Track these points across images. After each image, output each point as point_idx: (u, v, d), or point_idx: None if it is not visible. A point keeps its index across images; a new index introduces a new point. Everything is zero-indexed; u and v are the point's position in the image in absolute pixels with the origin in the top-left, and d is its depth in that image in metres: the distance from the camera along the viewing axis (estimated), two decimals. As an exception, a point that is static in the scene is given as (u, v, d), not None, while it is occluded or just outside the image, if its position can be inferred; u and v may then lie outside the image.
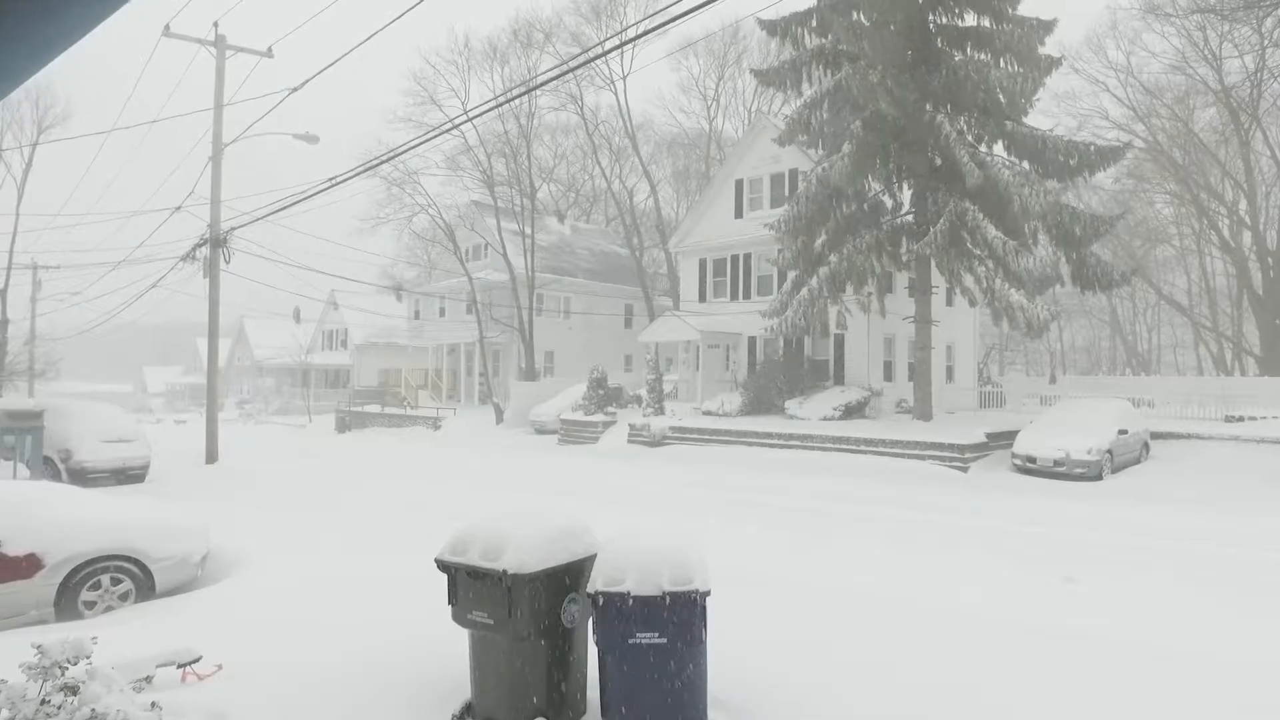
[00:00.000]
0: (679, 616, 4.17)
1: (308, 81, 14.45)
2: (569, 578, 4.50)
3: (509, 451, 23.59)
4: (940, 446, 17.35)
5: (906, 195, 21.67)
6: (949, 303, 23.95)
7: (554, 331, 36.90)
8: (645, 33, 15.62)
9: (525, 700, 4.38)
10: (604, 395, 25.64)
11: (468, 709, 4.60)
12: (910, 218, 20.96)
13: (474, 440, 26.90)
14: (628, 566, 4.26)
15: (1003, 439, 18.14)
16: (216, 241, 20.99)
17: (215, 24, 21.41)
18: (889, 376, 24.04)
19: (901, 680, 5.24)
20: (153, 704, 4.06)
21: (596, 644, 4.30)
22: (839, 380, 23.69)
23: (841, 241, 20.35)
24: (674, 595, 4.15)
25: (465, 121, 16.17)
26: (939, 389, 23.26)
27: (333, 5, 13.90)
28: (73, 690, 3.94)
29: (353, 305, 46.77)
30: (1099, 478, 15.96)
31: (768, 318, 20.86)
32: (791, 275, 21.36)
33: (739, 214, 26.96)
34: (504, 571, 4.23)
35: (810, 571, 8.49)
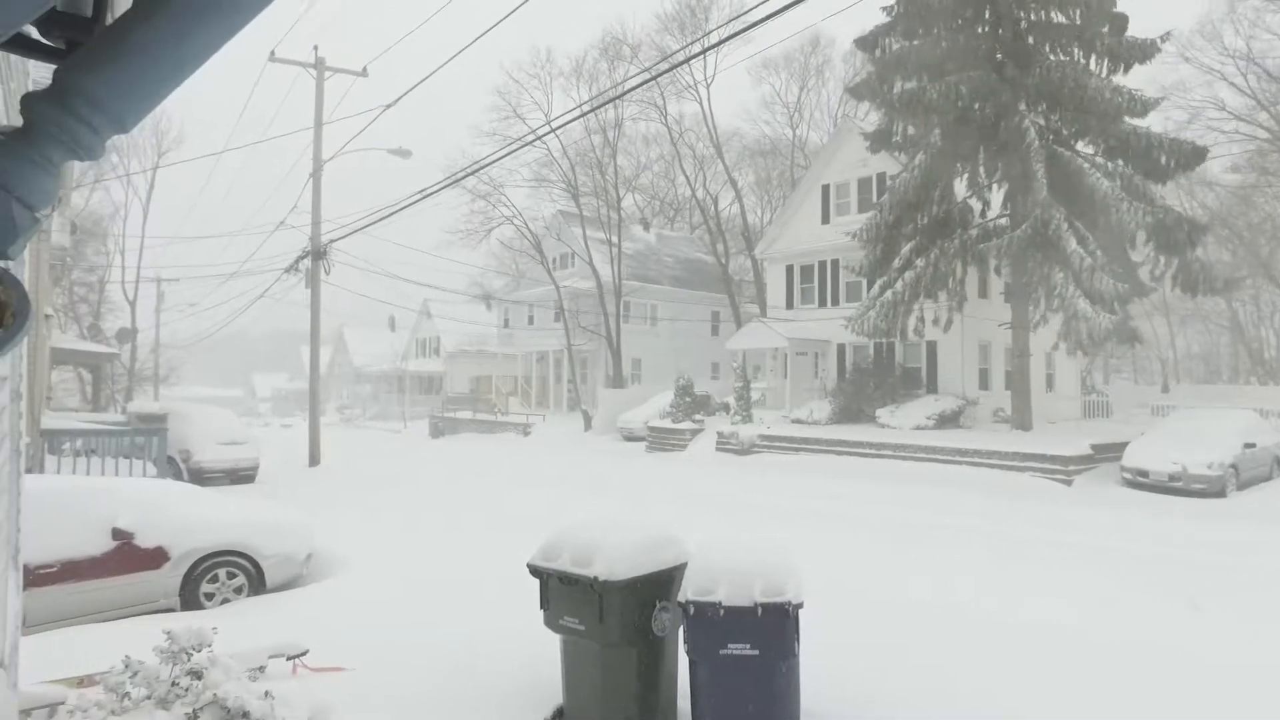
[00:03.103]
0: (771, 628, 4.12)
1: (400, 98, 15.00)
2: (659, 586, 4.51)
3: (597, 458, 23.81)
4: (1041, 458, 16.62)
5: (999, 198, 21.00)
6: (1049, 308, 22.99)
7: (641, 339, 37.10)
8: (729, 37, 15.62)
9: (616, 708, 4.41)
10: (691, 403, 25.62)
11: (559, 714, 4.66)
12: (1004, 221, 20.28)
13: (562, 446, 27.28)
14: (719, 576, 4.24)
15: (1110, 451, 17.24)
16: (317, 254, 21.98)
17: (315, 48, 22.48)
18: (985, 385, 23.20)
19: (1004, 705, 5.04)
20: (266, 693, 4.26)
21: (688, 654, 4.30)
22: (932, 388, 23.01)
23: (928, 247, 19.89)
24: (766, 606, 4.10)
25: (548, 133, 16.49)
26: (1039, 398, 22.32)
27: (424, 25, 14.40)
28: (197, 675, 4.19)
29: (444, 314, 48.18)
30: (1221, 494, 14.96)
31: (852, 322, 20.53)
32: (879, 281, 20.98)
33: (826, 219, 26.56)
34: (595, 578, 4.27)
35: (905, 585, 8.26)
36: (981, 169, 20.28)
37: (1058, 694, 5.27)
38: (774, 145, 44.41)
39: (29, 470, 11.66)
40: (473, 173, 19.85)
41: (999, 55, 19.49)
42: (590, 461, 22.86)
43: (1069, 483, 16.04)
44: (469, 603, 6.91)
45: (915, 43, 20.40)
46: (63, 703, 4.03)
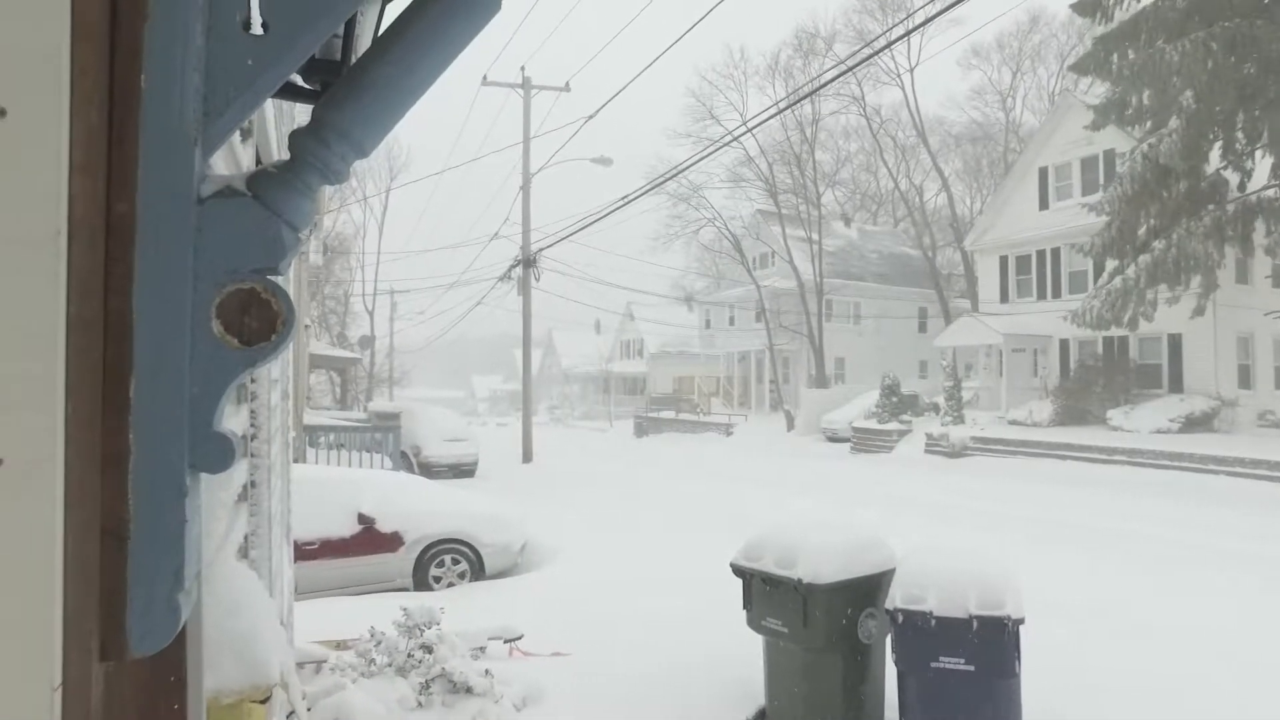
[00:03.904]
0: (988, 643, 3.87)
1: (600, 109, 15.59)
2: (865, 591, 4.37)
3: (800, 459, 23.46)
4: (1324, 468, 14.33)
5: (1266, 168, 18.25)
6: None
7: (843, 337, 36.08)
8: (938, 13, 14.77)
9: (820, 714, 4.32)
10: (897, 403, 24.58)
11: (761, 715, 4.65)
12: (1274, 193, 17.63)
13: (765, 447, 27.11)
14: (929, 584, 4.04)
15: None
16: (527, 262, 23.35)
17: (523, 68, 23.90)
18: (1246, 383, 20.34)
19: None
20: (486, 671, 4.61)
21: (896, 664, 4.13)
22: (1175, 387, 20.50)
23: (1171, 226, 17.65)
24: (982, 619, 3.86)
25: (744, 133, 16.46)
26: (1320, 397, 19.28)
27: (620, 35, 14.87)
28: (428, 649, 4.62)
29: (647, 316, 49.46)
30: None
31: (1074, 315, 18.68)
32: (1110, 267, 18.96)
33: (1044, 205, 24.48)
34: (799, 580, 4.21)
35: (1146, 608, 7.42)
36: (1239, 134, 17.71)
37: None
38: (984, 131, 41.63)
39: (295, 460, 13.34)
40: (671, 178, 20.25)
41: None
42: (793, 462, 22.56)
43: (1359, 497, 13.70)
44: (675, 598, 7.06)
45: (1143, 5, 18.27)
46: (325, 660, 4.59)
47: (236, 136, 2.22)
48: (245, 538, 2.10)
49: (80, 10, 0.91)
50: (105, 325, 0.96)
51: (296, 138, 1.19)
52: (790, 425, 30.22)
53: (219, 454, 1.01)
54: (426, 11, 1.21)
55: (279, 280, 1.14)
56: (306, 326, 19.48)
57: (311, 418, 17.29)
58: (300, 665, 4.51)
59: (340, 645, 4.97)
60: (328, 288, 47.74)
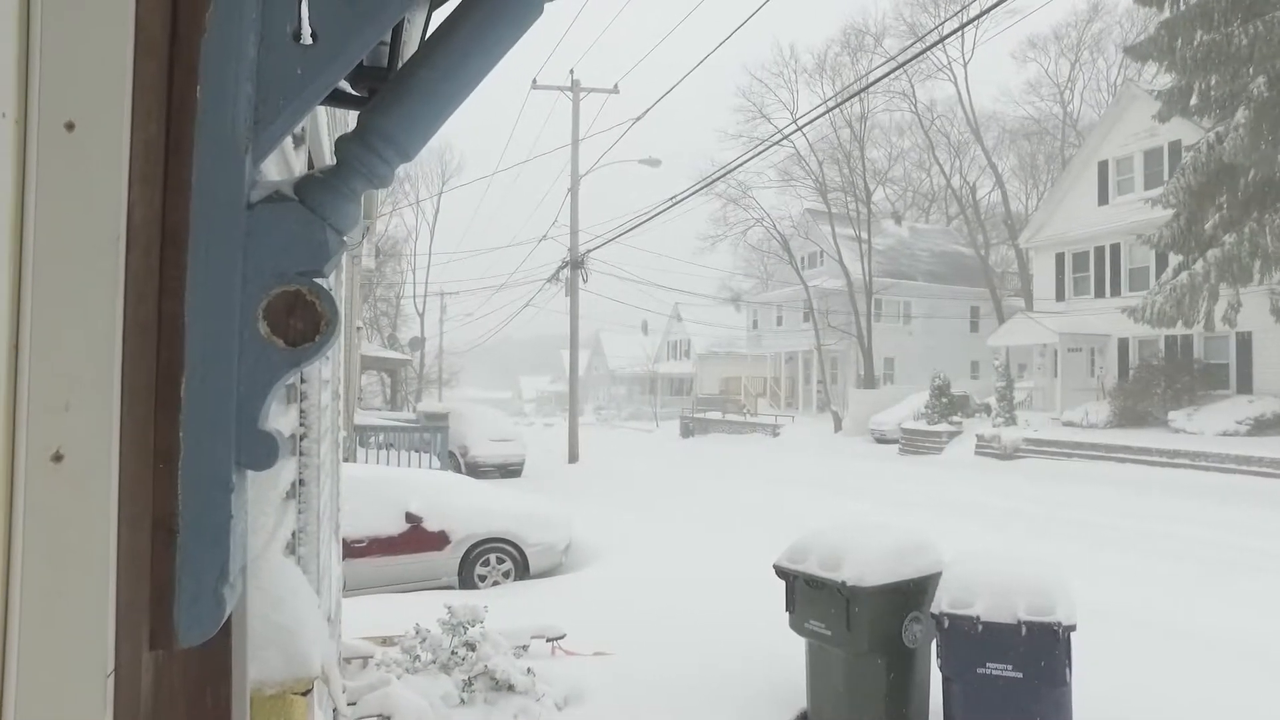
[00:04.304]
0: (1037, 650, 3.78)
1: (648, 110, 15.60)
2: (911, 595, 4.31)
3: (847, 460, 23.20)
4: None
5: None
6: None
7: (893, 337, 35.56)
8: (993, 6, 14.41)
9: (863, 718, 4.28)
10: (947, 404, 24.13)
11: (803, 718, 4.61)
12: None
13: (812, 448, 26.87)
14: (977, 588, 3.97)
15: None
16: (575, 263, 23.49)
17: (571, 71, 24.06)
18: (1320, 384, 19.51)
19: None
20: (528, 669, 4.66)
21: (941, 669, 4.07)
22: (1243, 388, 19.75)
23: (1241, 219, 17.00)
24: (1031, 625, 3.78)
25: (793, 132, 16.33)
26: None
27: (669, 36, 14.87)
28: (472, 647, 4.69)
29: (694, 317, 49.38)
30: None
31: (1134, 312, 18.10)
32: (1174, 262, 18.32)
33: (1104, 199, 23.79)
34: (843, 583, 4.17)
35: (1207, 618, 7.18)
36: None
37: None
38: (1040, 125, 40.63)
39: (345, 459, 13.63)
40: (719, 178, 20.19)
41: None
42: (840, 463, 22.31)
43: None
44: (718, 599, 7.04)
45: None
46: (371, 656, 4.69)
47: (289, 143, 2.29)
48: (293, 534, 2.16)
49: (143, 26, 0.95)
50: (159, 328, 1.00)
51: (343, 143, 1.22)
52: (838, 426, 29.89)
53: (265, 452, 1.04)
54: (470, 16, 1.23)
55: (323, 283, 1.17)
56: (359, 329, 19.88)
57: (362, 418, 17.64)
58: (348, 660, 4.62)
59: (386, 641, 5.07)
60: (379, 290, 48.67)
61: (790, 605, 4.54)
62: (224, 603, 0.97)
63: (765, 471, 20.61)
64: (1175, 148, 21.51)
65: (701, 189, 18.83)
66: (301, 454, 3.08)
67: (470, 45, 1.22)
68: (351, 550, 7.66)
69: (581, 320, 24.59)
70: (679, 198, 16.97)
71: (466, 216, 69.59)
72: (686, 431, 36.75)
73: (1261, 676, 5.58)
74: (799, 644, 4.62)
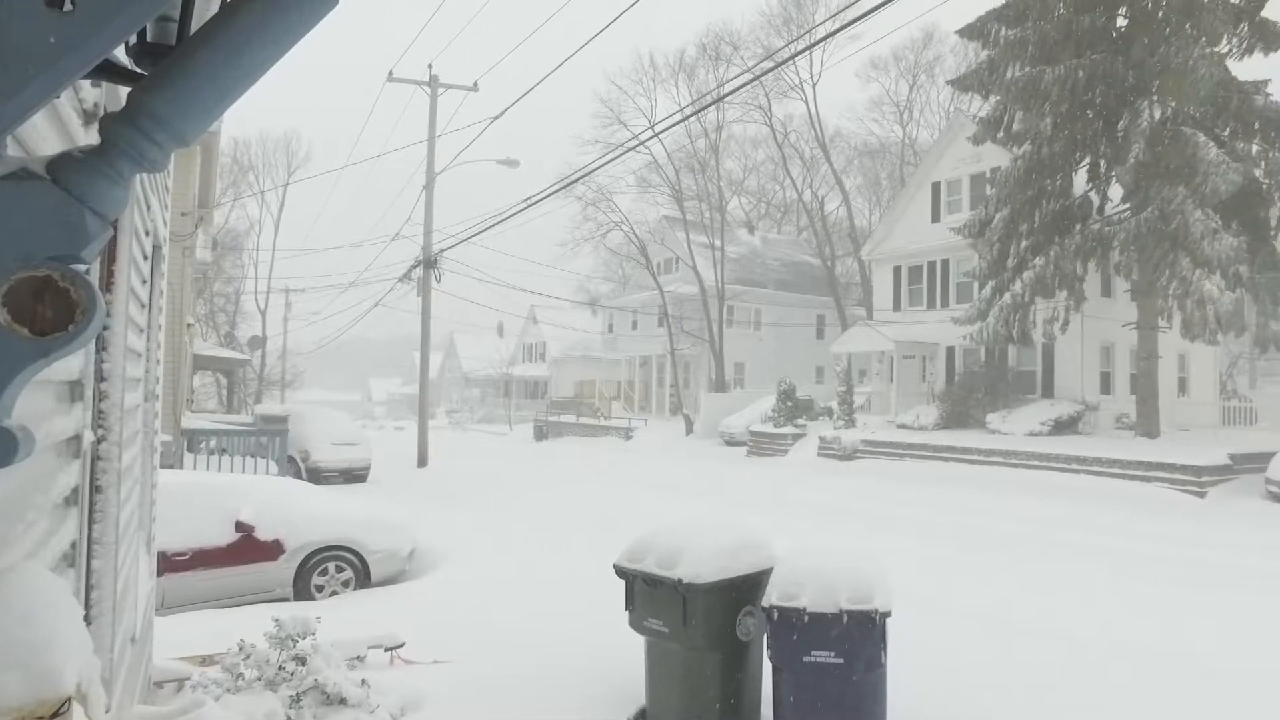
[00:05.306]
0: (857, 636, 4.02)
1: (506, 110, 15.45)
2: (745, 590, 4.47)
3: (697, 462, 23.79)
4: (1170, 467, 15.50)
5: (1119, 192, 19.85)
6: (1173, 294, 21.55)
7: (744, 343, 36.84)
8: (836, 30, 15.29)
9: (699, 711, 4.40)
10: (793, 407, 25.24)
11: (641, 715, 4.69)
12: (1129, 213, 19.13)
13: (664, 451, 27.37)
14: (805, 582, 4.17)
15: (1254, 461, 15.88)
16: (428, 263, 22.88)
17: (430, 66, 23.44)
18: (1106, 389, 21.87)
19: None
20: (363, 681, 4.48)
21: (771, 660, 4.25)
22: (1047, 393, 21.86)
23: (1046, 244, 18.94)
24: (852, 614, 4.01)
25: (651, 138, 16.57)
26: (1169, 403, 20.88)
27: (531, 36, 14.80)
28: (302, 661, 4.46)
29: (551, 320, 49.21)
30: (1381, 510, 13.61)
31: (965, 325, 19.82)
32: (991, 282, 20.12)
33: (936, 218, 25.67)
34: (679, 580, 4.28)
35: (1009, 603, 7.88)
36: (1102, 160, 19.22)
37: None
38: (882, 145, 43.38)
39: (169, 466, 12.64)
40: (575, 181, 20.23)
41: (1121, 38, 18.47)
42: (690, 465, 22.86)
43: (1202, 495, 14.91)
44: (561, 601, 7.04)
45: (1023, 30, 19.49)
46: (188, 678, 4.36)
47: (74, 119, 2.10)
48: (72, 545, 1.99)
49: None
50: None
51: (108, 122, 1.14)
52: (689, 429, 30.62)
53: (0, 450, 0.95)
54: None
55: (84, 269, 1.08)
56: (190, 326, 18.51)
57: (192, 421, 16.44)
58: (159, 684, 4.27)
59: (206, 661, 4.74)
60: (217, 285, 45.53)
61: (630, 604, 4.61)
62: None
63: (617, 474, 20.82)
64: (996, 174, 23.52)
65: (557, 191, 18.80)
66: (98, 458, 2.83)
67: (256, 29, 1.16)
68: (172, 564, 7.12)
69: (435, 321, 23.99)
70: (534, 199, 16.88)
71: (315, 210, 66.39)
72: (540, 435, 36.59)
73: (1060, 655, 6.17)
74: (639, 642, 4.69)
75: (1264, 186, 17.92)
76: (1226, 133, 18.20)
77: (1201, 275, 16.37)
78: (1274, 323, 18.94)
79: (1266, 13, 18.18)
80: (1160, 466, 15.63)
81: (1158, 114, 17.31)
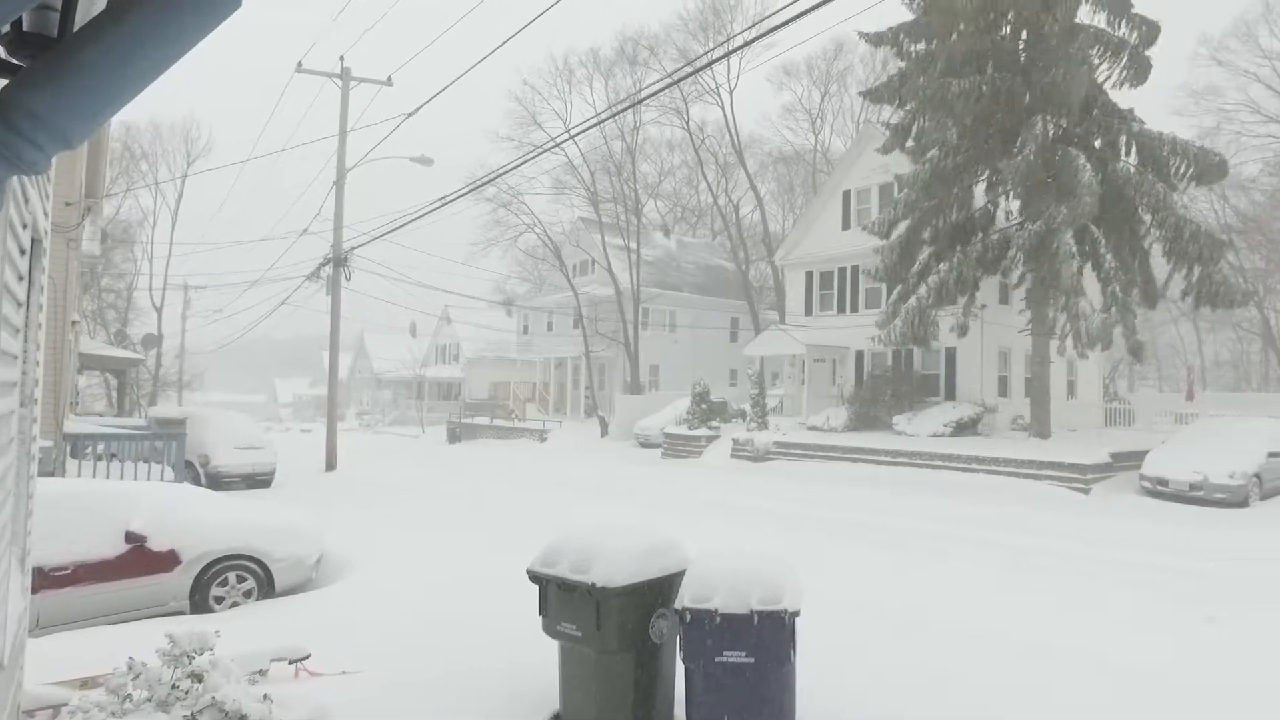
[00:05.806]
0: (767, 636, 4.11)
1: (420, 108, 15.13)
2: (658, 593, 4.50)
3: (612, 464, 23.82)
4: (1059, 466, 16.42)
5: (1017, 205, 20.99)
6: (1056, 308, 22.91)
7: (659, 345, 37.10)
8: (753, 40, 15.57)
9: (612, 713, 4.41)
10: (707, 409, 25.55)
11: (555, 719, 4.67)
12: (1017, 228, 20.22)
13: (578, 453, 27.31)
14: (717, 584, 4.24)
15: (1130, 459, 16.99)
16: (338, 261, 22.21)
17: (341, 58, 22.75)
18: (1004, 392, 22.99)
19: None
20: (265, 695, 4.30)
21: (684, 661, 4.29)
22: (950, 395, 22.82)
23: (949, 252, 19.82)
24: (763, 614, 4.10)
25: (566, 139, 16.51)
26: (1059, 405, 22.09)
27: (447, 33, 14.54)
28: (198, 678, 4.24)
29: (465, 320, 48.47)
30: (1244, 504, 14.70)
31: (879, 328, 20.50)
32: (898, 288, 20.89)
33: (846, 225, 26.44)
34: (592, 584, 4.28)
35: (913, 598, 8.19)
36: (999, 173, 20.26)
37: (1060, 713, 5.21)
38: (796, 152, 44.41)
39: (50, 473, 11.85)
40: (490, 181, 19.99)
41: (1021, 58, 19.48)
42: (605, 467, 22.88)
43: (1087, 491, 15.84)
44: (474, 606, 6.94)
45: (932, 46, 20.32)
46: (65, 704, 4.09)
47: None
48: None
49: None
50: None
51: (-24, 118, 1.06)
52: (604, 431, 30.64)
53: None
54: (150, -4, 1.11)
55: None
56: (75, 323, 17.43)
57: (76, 425, 15.49)
58: (30, 713, 3.99)
59: (87, 683, 4.45)
60: (106, 280, 43.05)
61: (544, 609, 4.58)
62: None
63: (531, 476, 20.67)
64: (903, 180, 24.39)
65: (472, 190, 18.56)
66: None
67: (152, 27, 1.10)
68: (51, 579, 6.69)
69: (345, 321, 23.29)
70: (449, 198, 16.60)
71: (216, 204, 63.48)
72: (453, 437, 36.00)
73: (965, 647, 6.44)
74: (553, 647, 4.67)
75: (1136, 208, 19.19)
76: (1108, 153, 19.41)
77: (1074, 293, 17.46)
78: (1141, 335, 20.38)
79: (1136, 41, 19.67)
80: (1050, 465, 16.53)
81: (1051, 132, 18.32)
